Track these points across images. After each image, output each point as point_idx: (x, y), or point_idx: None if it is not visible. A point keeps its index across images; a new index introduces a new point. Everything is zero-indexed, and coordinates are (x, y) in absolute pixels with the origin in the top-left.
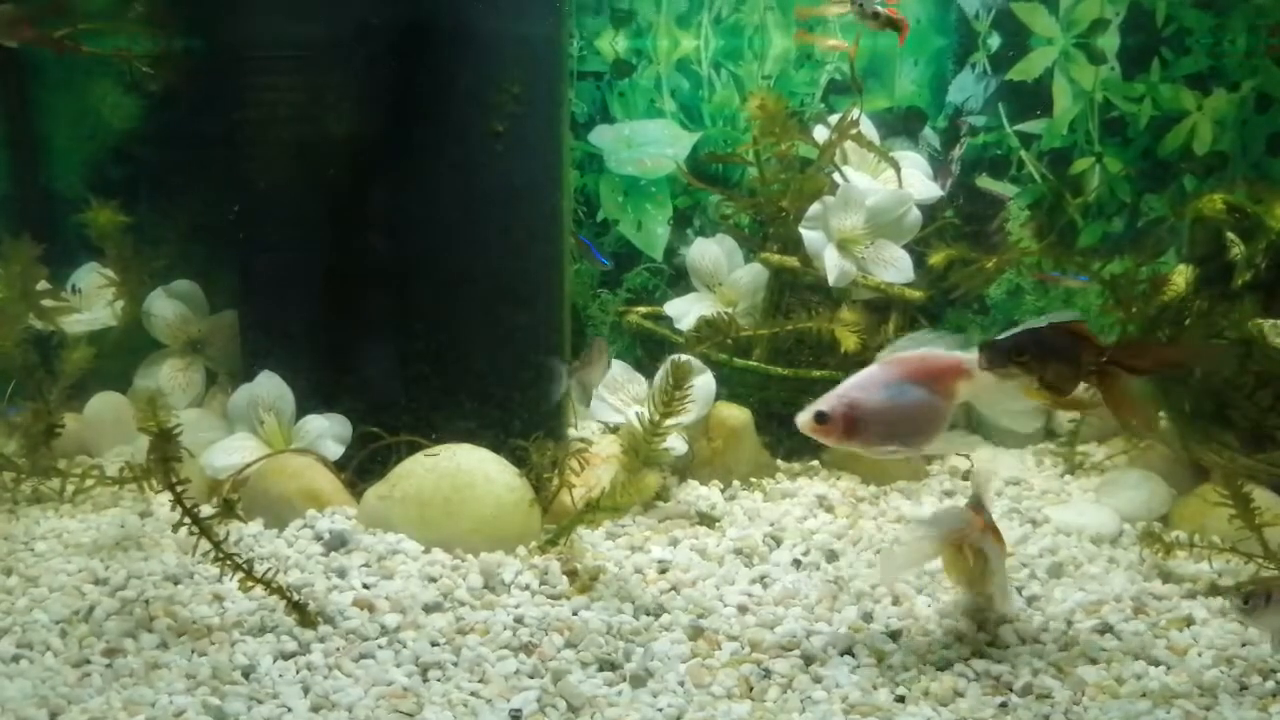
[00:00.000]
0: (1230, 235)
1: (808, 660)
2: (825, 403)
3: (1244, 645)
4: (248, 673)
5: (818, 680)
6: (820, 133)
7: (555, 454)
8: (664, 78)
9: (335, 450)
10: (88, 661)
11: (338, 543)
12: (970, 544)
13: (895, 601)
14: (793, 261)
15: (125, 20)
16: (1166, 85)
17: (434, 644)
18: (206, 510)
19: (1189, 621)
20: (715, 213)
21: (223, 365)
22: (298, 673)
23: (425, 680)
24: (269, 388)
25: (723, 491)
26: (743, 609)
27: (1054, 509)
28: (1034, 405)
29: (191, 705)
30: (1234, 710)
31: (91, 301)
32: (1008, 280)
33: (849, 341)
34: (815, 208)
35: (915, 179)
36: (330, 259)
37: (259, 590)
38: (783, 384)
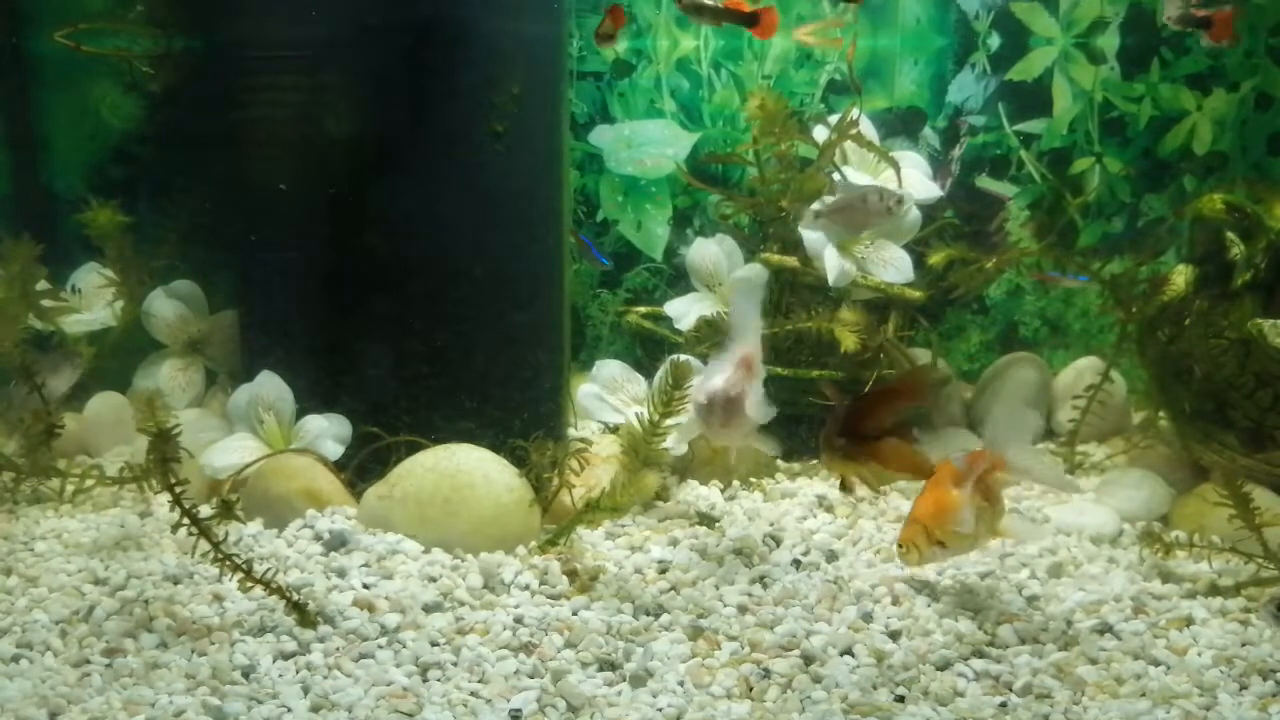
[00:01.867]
0: (1230, 235)
1: (808, 660)
2: None
3: (1244, 645)
4: (248, 673)
5: (818, 680)
6: (820, 133)
7: (555, 454)
8: (664, 78)
9: (335, 450)
10: (88, 661)
11: (338, 543)
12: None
13: (895, 601)
14: (793, 261)
15: (125, 20)
16: (1166, 85)
17: (434, 644)
18: (206, 510)
19: (1189, 621)
20: (715, 213)
21: (223, 365)
22: (297, 673)
23: (425, 680)
24: (269, 387)
25: (723, 491)
26: (742, 609)
27: (1054, 509)
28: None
29: (191, 705)
30: (1234, 710)
31: (91, 301)
32: (1008, 280)
33: (848, 341)
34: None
35: (915, 179)
36: (330, 259)
37: (259, 590)
38: (782, 384)
